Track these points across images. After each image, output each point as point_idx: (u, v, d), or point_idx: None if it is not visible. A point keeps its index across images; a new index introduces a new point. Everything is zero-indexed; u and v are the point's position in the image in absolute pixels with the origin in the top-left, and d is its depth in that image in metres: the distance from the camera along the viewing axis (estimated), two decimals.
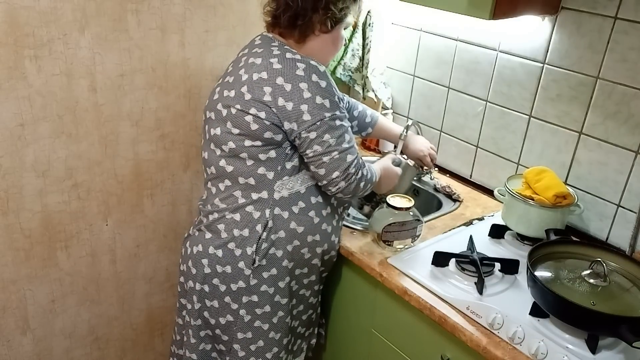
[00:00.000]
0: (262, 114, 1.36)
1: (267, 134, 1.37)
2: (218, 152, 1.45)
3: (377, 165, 1.60)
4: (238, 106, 1.38)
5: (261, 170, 1.41)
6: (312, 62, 1.38)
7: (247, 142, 1.39)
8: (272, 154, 1.40)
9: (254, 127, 1.37)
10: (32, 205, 1.62)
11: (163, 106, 1.76)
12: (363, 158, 1.49)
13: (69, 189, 1.67)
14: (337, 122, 1.38)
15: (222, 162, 1.45)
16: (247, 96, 1.37)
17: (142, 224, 1.87)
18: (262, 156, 1.40)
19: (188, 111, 1.82)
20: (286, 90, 1.34)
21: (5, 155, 1.53)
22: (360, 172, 1.44)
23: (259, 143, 1.39)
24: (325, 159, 1.38)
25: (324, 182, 1.42)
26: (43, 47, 1.49)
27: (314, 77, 1.36)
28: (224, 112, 1.41)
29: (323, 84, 1.37)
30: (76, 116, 1.61)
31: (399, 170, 1.69)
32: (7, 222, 1.60)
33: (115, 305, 1.92)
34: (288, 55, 1.38)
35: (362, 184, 1.45)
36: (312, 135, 1.36)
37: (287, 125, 1.36)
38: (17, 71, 1.47)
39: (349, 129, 1.43)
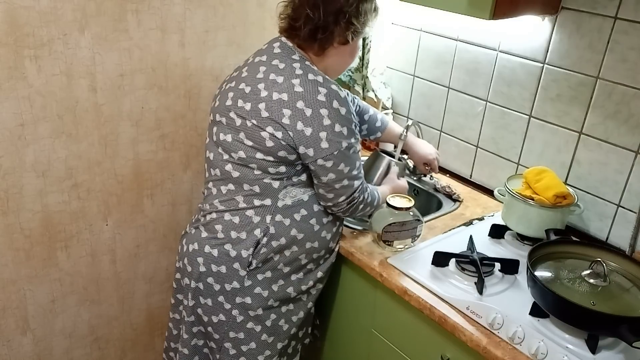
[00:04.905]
0: (279, 134, 1.35)
1: (282, 153, 1.37)
2: (226, 156, 1.44)
3: (385, 187, 1.63)
4: (254, 121, 1.37)
5: (267, 180, 1.41)
6: (334, 87, 1.37)
7: (259, 155, 1.39)
8: (282, 169, 1.40)
9: (270, 144, 1.36)
10: (32, 205, 1.62)
11: (163, 106, 1.76)
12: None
13: (69, 189, 1.67)
14: (351, 151, 1.40)
15: (229, 167, 1.44)
16: (265, 114, 1.36)
17: (142, 224, 1.87)
18: (271, 169, 1.40)
19: (188, 111, 1.82)
20: (306, 115, 1.33)
21: (5, 155, 1.53)
22: (362, 196, 1.48)
23: (271, 158, 1.38)
24: (337, 185, 1.41)
25: (329, 204, 1.46)
26: (43, 47, 1.49)
27: (335, 104, 1.35)
28: (238, 121, 1.40)
29: (343, 110, 1.36)
30: (76, 116, 1.61)
31: (405, 183, 1.71)
32: (7, 222, 1.60)
33: (115, 305, 1.92)
34: (310, 76, 1.36)
35: (361, 207, 1.50)
36: (329, 164, 1.37)
37: (302, 150, 1.36)
38: (17, 71, 1.47)
39: (359, 153, 1.45)
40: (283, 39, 1.45)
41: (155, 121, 1.76)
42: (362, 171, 1.48)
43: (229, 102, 1.44)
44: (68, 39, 1.52)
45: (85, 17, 1.52)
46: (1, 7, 1.40)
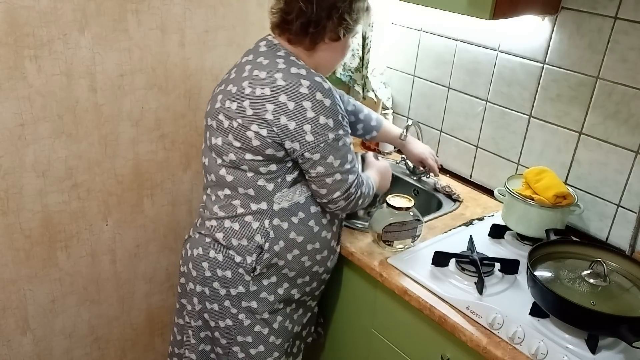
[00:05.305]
0: (264, 132, 1.33)
1: (269, 151, 1.35)
2: (219, 160, 1.44)
3: (371, 172, 1.61)
4: (240, 120, 1.36)
5: (261, 182, 1.40)
6: (317, 79, 1.35)
7: (248, 156, 1.37)
8: (273, 167, 1.38)
9: (256, 143, 1.35)
10: (32, 205, 1.62)
11: (163, 106, 1.76)
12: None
13: (69, 189, 1.67)
14: (340, 143, 1.37)
15: (222, 171, 1.43)
16: (249, 112, 1.34)
17: (142, 224, 1.87)
18: (262, 169, 1.38)
19: (188, 111, 1.82)
20: (289, 108, 1.31)
21: (5, 155, 1.53)
22: (359, 190, 1.44)
23: (260, 157, 1.37)
24: (328, 180, 1.38)
25: (324, 200, 1.43)
26: (43, 47, 1.49)
27: (319, 96, 1.33)
28: (226, 123, 1.39)
29: (327, 102, 1.34)
30: (76, 116, 1.61)
31: (385, 162, 1.71)
32: (7, 222, 1.60)
33: (115, 305, 1.92)
34: (293, 69, 1.34)
35: (360, 201, 1.46)
36: (316, 156, 1.35)
37: (288, 145, 1.34)
38: (17, 71, 1.47)
39: (351, 146, 1.42)
40: (269, 37, 1.45)
41: (155, 121, 1.76)
42: (357, 165, 1.45)
43: (218, 105, 1.43)
44: (68, 39, 1.52)
45: (85, 17, 1.52)
46: (1, 7, 1.40)
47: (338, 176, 1.38)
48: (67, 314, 1.81)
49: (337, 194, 1.40)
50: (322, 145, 1.34)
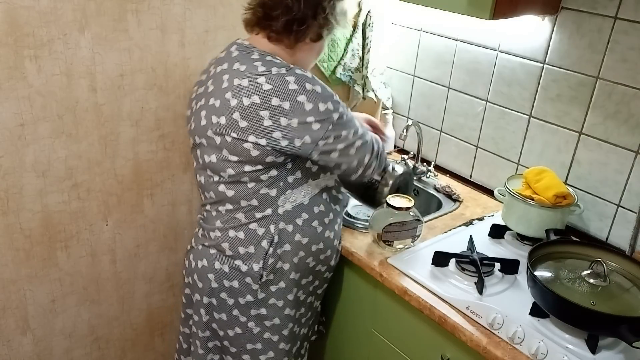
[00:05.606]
0: (262, 141, 1.30)
1: (269, 158, 1.33)
2: (216, 178, 1.40)
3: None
4: (234, 134, 1.31)
5: (263, 190, 1.38)
6: (298, 72, 1.32)
7: (247, 167, 1.34)
8: (274, 172, 1.36)
9: (255, 153, 1.31)
10: (32, 205, 1.62)
11: (163, 106, 1.76)
12: None
13: (69, 189, 1.67)
14: (345, 118, 1.36)
15: (222, 188, 1.40)
16: (243, 123, 1.30)
17: (142, 224, 1.87)
18: (263, 177, 1.36)
19: (188, 111, 1.82)
20: (285, 108, 1.28)
21: (5, 155, 1.53)
22: (378, 143, 1.48)
23: (260, 167, 1.34)
24: (352, 151, 1.38)
25: (360, 171, 1.44)
26: (43, 47, 1.49)
27: (308, 86, 1.31)
28: (217, 139, 1.35)
29: (318, 89, 1.32)
30: (76, 116, 1.61)
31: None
32: (7, 222, 1.60)
33: (115, 305, 1.92)
34: (274, 70, 1.31)
35: (385, 151, 1.52)
36: (330, 140, 1.33)
37: (298, 142, 1.30)
38: (17, 71, 1.47)
39: (350, 111, 1.42)
40: (239, 40, 1.42)
41: (155, 121, 1.76)
42: (364, 126, 1.47)
43: (204, 122, 1.38)
44: (68, 39, 1.52)
45: (85, 17, 1.52)
46: (1, 7, 1.40)
47: (358, 142, 1.39)
48: (67, 314, 1.81)
49: (367, 157, 1.42)
50: (330, 128, 1.32)
